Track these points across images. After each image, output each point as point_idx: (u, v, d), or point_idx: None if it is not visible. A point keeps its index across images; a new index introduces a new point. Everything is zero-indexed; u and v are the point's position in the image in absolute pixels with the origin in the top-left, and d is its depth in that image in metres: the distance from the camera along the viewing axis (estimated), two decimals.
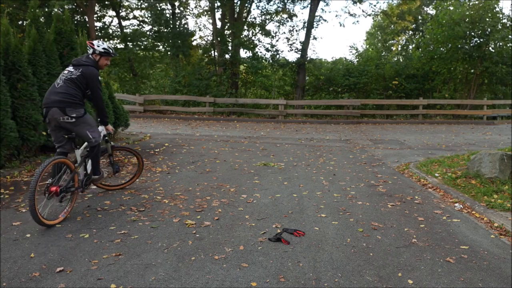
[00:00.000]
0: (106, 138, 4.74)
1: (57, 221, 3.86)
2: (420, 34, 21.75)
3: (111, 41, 22.56)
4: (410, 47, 23.52)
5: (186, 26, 21.74)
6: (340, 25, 28.44)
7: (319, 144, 9.78)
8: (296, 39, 20.69)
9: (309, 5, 19.27)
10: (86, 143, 4.34)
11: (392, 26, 24.36)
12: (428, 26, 18.87)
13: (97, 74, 4.17)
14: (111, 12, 22.31)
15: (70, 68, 4.15)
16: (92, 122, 4.26)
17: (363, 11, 27.36)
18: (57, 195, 3.88)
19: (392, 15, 22.66)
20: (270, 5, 27.19)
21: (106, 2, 20.79)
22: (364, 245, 3.46)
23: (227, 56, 19.50)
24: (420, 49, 19.69)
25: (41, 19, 7.21)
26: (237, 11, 19.67)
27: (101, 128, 4.54)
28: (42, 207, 3.83)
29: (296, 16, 35.32)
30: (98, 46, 4.25)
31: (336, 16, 32.73)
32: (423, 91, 18.56)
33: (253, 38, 20.37)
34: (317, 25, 19.79)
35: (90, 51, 4.29)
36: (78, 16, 20.36)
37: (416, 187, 5.60)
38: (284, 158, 7.64)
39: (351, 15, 21.30)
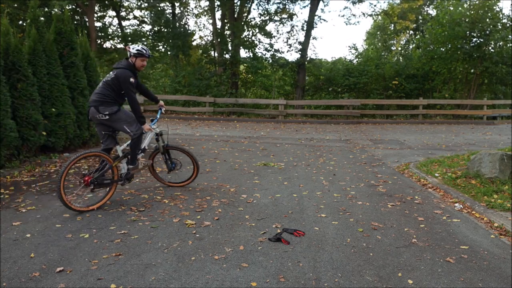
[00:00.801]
0: (157, 137, 4.91)
1: (89, 208, 4.26)
2: (421, 33, 21.76)
3: (111, 41, 22.59)
4: (410, 47, 23.52)
5: (186, 26, 21.73)
6: (347, 24, 28.08)
7: (319, 144, 9.78)
8: (296, 39, 20.72)
9: (309, 5, 19.28)
10: (129, 141, 4.63)
11: (392, 26, 24.36)
12: (429, 26, 18.87)
13: (127, 76, 4.36)
14: (111, 12, 22.33)
15: (110, 72, 4.55)
16: (127, 117, 4.51)
17: (363, 13, 27.26)
18: (87, 185, 4.32)
19: (393, 15, 22.66)
20: (270, 5, 27.19)
21: (106, 2, 20.79)
22: (364, 245, 3.46)
23: (227, 56, 19.51)
24: (420, 49, 19.68)
25: (41, 19, 7.20)
26: (237, 11, 19.68)
27: (150, 126, 4.81)
28: (78, 194, 4.48)
29: (296, 16, 35.34)
30: (132, 49, 4.49)
31: (339, 15, 32.82)
32: (423, 91, 18.56)
33: (253, 38, 20.39)
34: (317, 25, 19.81)
35: (128, 54, 4.54)
36: (78, 16, 20.36)
37: (416, 187, 5.60)
38: (284, 158, 7.64)
39: (352, 14, 21.29)
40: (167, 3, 21.15)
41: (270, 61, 19.76)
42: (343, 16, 39.80)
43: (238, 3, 19.59)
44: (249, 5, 20.36)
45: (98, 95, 4.38)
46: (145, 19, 22.73)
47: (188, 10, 23.49)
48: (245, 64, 19.56)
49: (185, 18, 22.70)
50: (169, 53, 21.15)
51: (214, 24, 21.44)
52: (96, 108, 4.35)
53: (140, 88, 4.90)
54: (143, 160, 4.86)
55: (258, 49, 19.79)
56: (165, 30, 20.61)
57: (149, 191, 5.12)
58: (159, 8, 20.73)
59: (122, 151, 4.64)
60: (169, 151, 5.13)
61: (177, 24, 20.98)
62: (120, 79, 4.35)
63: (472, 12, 16.78)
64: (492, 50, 17.11)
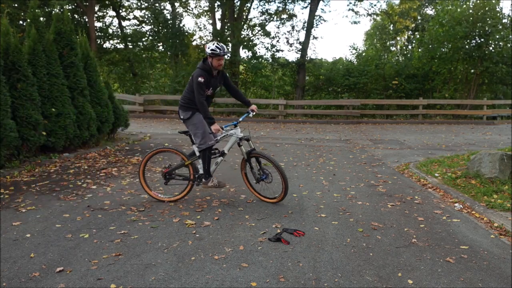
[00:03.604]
0: (239, 142, 4.50)
1: (165, 199, 4.59)
2: (421, 33, 21.77)
3: (111, 41, 22.57)
4: (410, 47, 23.53)
5: (182, 25, 21.69)
6: (354, 23, 27.34)
7: (319, 144, 9.78)
8: (297, 39, 20.72)
9: (309, 5, 19.28)
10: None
11: (391, 26, 24.35)
12: (429, 26, 18.88)
13: (197, 76, 4.23)
14: (111, 12, 22.33)
15: None
16: (196, 128, 4.38)
17: (365, 12, 27.14)
18: (164, 177, 4.63)
19: (393, 14, 22.66)
20: (270, 5, 27.16)
21: (106, 2, 20.79)
22: (364, 245, 3.46)
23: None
24: (420, 49, 19.69)
25: (41, 19, 7.20)
26: (237, 11, 19.67)
27: (233, 130, 4.52)
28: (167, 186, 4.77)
29: (296, 17, 35.37)
30: (208, 48, 4.25)
31: (340, 14, 32.72)
32: (423, 91, 18.56)
33: (253, 38, 20.37)
34: (317, 25, 19.80)
35: (205, 53, 4.34)
36: (78, 16, 20.35)
37: (416, 187, 5.60)
38: (284, 158, 7.63)
39: (355, 12, 21.21)
40: (167, 3, 21.14)
41: (270, 60, 19.75)
42: (346, 16, 39.65)
43: (238, 3, 19.59)
44: (249, 5, 20.36)
45: (181, 97, 4.47)
46: (145, 20, 22.73)
47: (188, 10, 23.48)
48: (244, 65, 19.54)
49: (181, 16, 22.61)
50: (169, 53, 21.16)
51: (214, 24, 21.44)
52: (179, 110, 4.52)
53: (230, 88, 4.68)
54: (216, 181, 4.57)
55: (258, 49, 19.84)
56: (164, 30, 20.59)
57: None
58: (158, 9, 20.72)
59: (197, 151, 4.51)
60: (258, 158, 4.52)
61: (176, 23, 20.95)
62: (193, 78, 4.29)
63: (473, 12, 16.79)
64: (492, 50, 17.11)
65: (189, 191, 4.64)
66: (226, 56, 4.47)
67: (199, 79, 4.21)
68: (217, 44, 4.27)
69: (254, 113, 4.71)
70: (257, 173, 4.54)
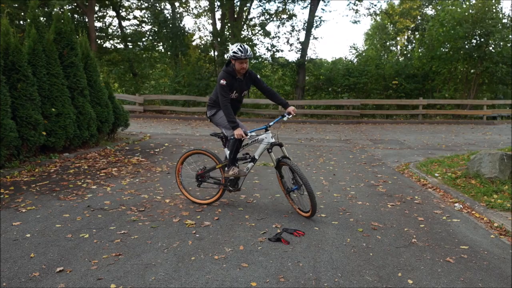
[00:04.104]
0: (269, 148, 4.23)
1: (197, 201, 4.60)
2: (421, 33, 21.79)
3: (111, 41, 22.56)
4: (410, 47, 23.53)
5: (182, 25, 21.71)
6: (354, 22, 26.81)
7: (319, 144, 9.78)
8: (297, 39, 20.73)
9: (309, 5, 19.29)
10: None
11: (392, 26, 24.36)
12: (430, 26, 18.88)
13: (219, 78, 4.15)
14: (111, 12, 22.33)
15: None
16: (223, 121, 4.32)
17: (365, 9, 27.14)
18: (196, 180, 4.65)
19: (394, 14, 22.66)
20: (270, 5, 27.15)
21: (106, 2, 20.79)
22: (364, 245, 3.46)
23: (226, 56, 19.51)
24: (421, 49, 19.69)
25: (41, 19, 7.20)
26: (237, 11, 19.67)
27: (264, 135, 4.25)
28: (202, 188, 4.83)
29: (296, 17, 35.46)
30: (231, 50, 4.10)
31: (340, 14, 32.72)
32: (423, 91, 18.57)
33: (253, 38, 20.38)
34: (317, 25, 19.81)
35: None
36: (78, 16, 20.35)
37: (416, 187, 5.60)
38: None
39: (356, 11, 21.22)
40: (167, 3, 21.15)
41: (270, 60, 19.76)
42: (346, 15, 39.60)
43: (238, 3, 19.60)
44: (249, 5, 20.37)
45: (209, 98, 4.48)
46: (145, 20, 22.75)
47: (188, 10, 23.50)
48: None
49: (180, 17, 22.60)
50: (169, 53, 21.17)
51: (214, 24, 21.45)
52: (206, 111, 4.52)
53: (263, 90, 4.44)
54: (237, 170, 4.31)
55: (258, 49, 19.83)
56: (164, 30, 20.62)
57: (149, 191, 5.12)
58: (158, 9, 20.73)
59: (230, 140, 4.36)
60: (292, 168, 4.11)
61: (176, 23, 20.96)
62: (217, 81, 4.22)
63: (474, 12, 16.79)
64: (492, 50, 17.12)
65: (220, 195, 4.55)
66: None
67: (221, 81, 4.11)
68: (240, 46, 4.05)
69: (291, 115, 4.28)
70: (289, 183, 4.27)
